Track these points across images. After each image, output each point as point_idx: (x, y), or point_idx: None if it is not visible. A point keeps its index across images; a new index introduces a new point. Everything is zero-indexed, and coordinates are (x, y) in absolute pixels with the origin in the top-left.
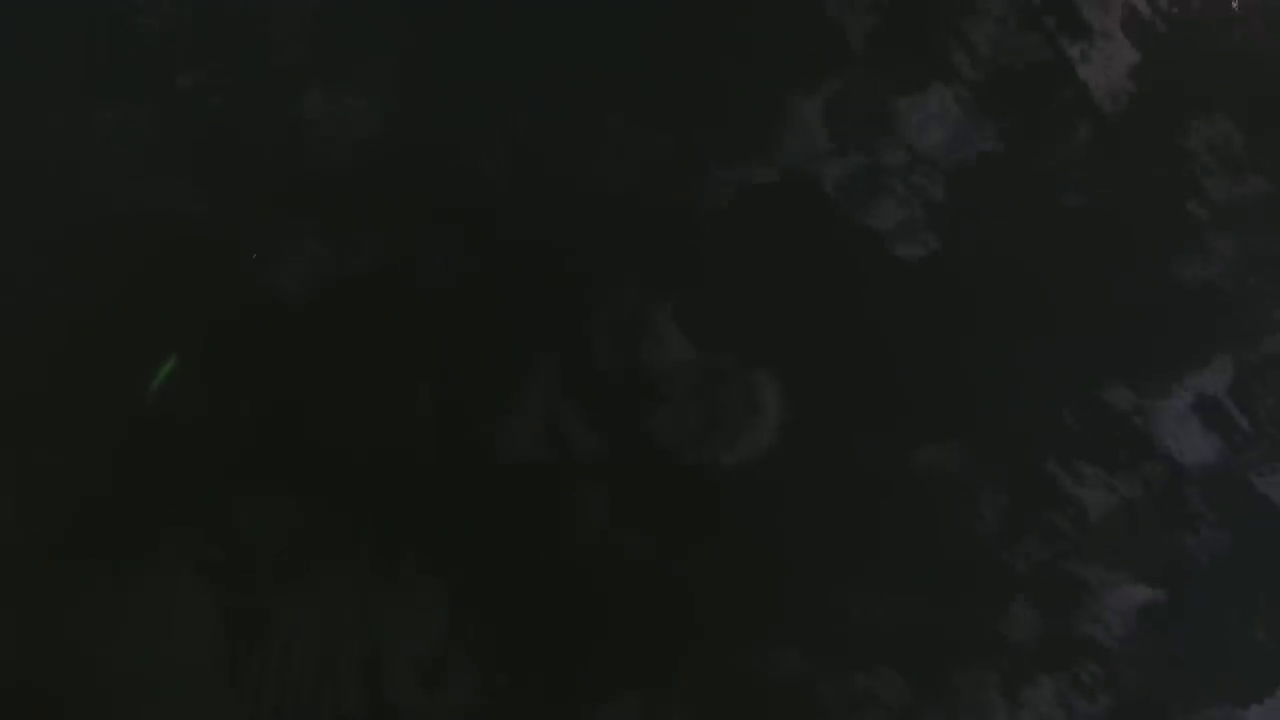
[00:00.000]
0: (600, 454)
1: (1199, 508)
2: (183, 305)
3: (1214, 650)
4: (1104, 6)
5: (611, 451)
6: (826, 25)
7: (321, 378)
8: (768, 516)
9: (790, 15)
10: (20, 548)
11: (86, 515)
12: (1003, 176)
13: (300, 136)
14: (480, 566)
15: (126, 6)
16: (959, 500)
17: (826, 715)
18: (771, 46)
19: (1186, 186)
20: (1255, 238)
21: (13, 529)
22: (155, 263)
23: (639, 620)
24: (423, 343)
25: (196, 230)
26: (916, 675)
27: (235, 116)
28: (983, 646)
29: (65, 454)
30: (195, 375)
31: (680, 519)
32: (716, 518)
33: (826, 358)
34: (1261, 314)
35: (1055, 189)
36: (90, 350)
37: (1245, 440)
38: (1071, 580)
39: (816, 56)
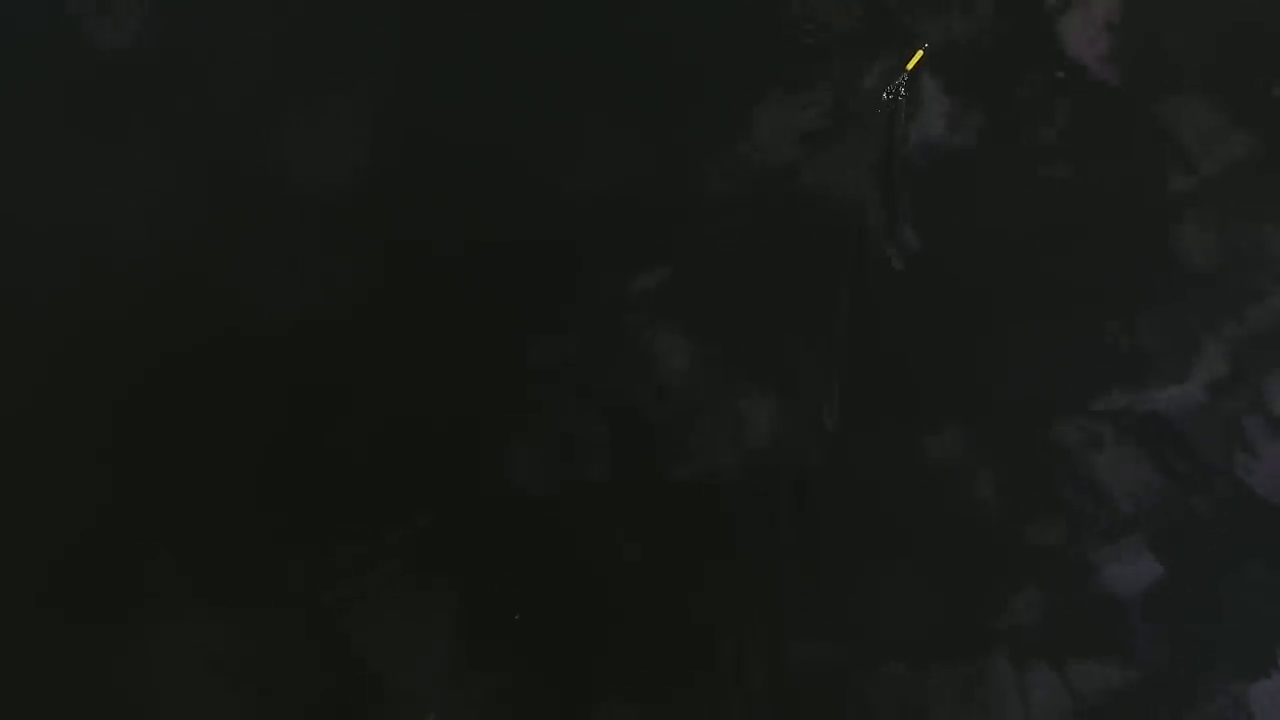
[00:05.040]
0: (605, 456)
1: (1205, 480)
2: (172, 333)
3: (1220, 625)
4: None
5: (616, 452)
6: (796, 19)
7: (331, 388)
8: (779, 512)
9: (759, 12)
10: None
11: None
12: (987, 155)
13: (290, 151)
14: (501, 575)
15: (102, 45)
16: (966, 487)
17: (852, 705)
18: (744, 42)
19: (1172, 159)
20: (1241, 207)
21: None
22: (139, 293)
23: (656, 618)
24: (421, 355)
25: (185, 258)
26: (933, 660)
27: (221, 145)
28: (995, 627)
29: (65, 483)
30: (193, 401)
31: (688, 517)
32: (726, 515)
33: (825, 352)
34: (1252, 284)
35: (1040, 167)
36: (79, 377)
37: (1242, 412)
38: (1080, 560)
39: (789, 51)
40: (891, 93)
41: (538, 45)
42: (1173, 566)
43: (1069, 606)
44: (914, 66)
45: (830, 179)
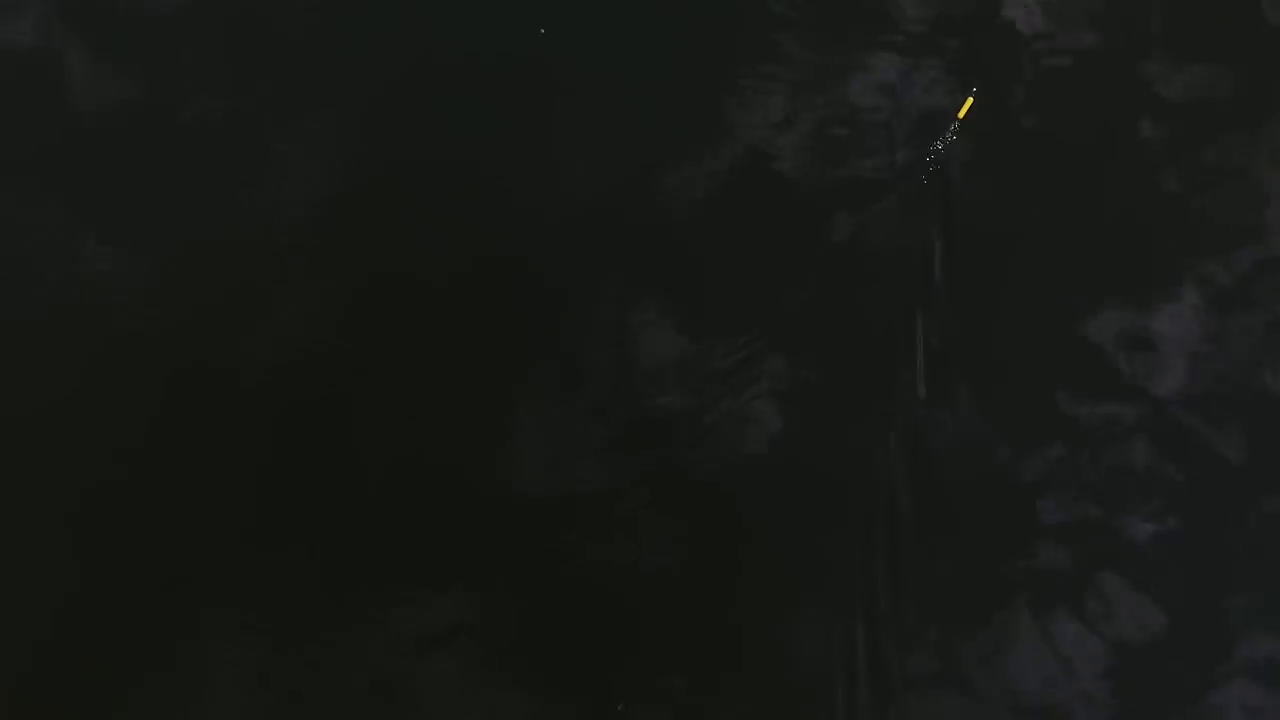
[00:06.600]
0: (608, 454)
1: (1208, 424)
2: (156, 378)
3: (1244, 574)
4: None
5: (619, 451)
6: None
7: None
8: (784, 500)
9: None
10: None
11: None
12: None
13: (265, 173)
14: (510, 581)
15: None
16: (970, 454)
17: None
18: (709, 34)
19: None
20: (1210, 151)
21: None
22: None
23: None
24: (418, 357)
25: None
26: (957, 622)
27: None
28: (1017, 588)
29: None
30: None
31: (704, 508)
32: (741, 505)
33: (819, 334)
34: (1232, 225)
35: (1012, 126)
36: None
37: (1239, 346)
38: (1093, 515)
39: (762, 39)
40: (944, 141)
41: (525, 64)
42: (1198, 523)
43: (1099, 565)
44: (965, 114)
45: (885, 237)
